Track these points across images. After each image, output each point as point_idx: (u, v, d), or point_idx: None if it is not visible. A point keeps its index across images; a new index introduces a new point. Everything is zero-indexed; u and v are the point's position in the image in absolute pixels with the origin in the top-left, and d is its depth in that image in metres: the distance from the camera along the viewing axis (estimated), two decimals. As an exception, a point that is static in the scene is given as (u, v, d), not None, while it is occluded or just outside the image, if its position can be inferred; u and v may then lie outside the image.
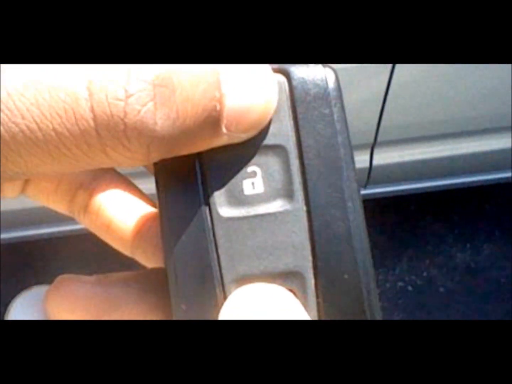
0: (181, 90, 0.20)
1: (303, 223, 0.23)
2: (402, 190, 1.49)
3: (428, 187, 1.50)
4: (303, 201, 0.23)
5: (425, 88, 1.24)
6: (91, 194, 0.28)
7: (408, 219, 1.73)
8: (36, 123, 0.20)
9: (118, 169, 0.29)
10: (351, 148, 0.23)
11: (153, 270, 0.27)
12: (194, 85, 0.21)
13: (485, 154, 1.41)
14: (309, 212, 0.23)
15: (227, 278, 0.23)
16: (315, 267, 0.23)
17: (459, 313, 1.57)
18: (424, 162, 1.40)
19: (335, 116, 0.23)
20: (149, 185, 0.33)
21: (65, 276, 0.26)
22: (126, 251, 0.28)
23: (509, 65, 1.17)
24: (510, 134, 1.36)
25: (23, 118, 0.19)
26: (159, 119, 0.20)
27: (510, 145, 1.37)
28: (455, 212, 1.73)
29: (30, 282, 1.53)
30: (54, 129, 0.20)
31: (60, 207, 0.29)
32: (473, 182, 1.51)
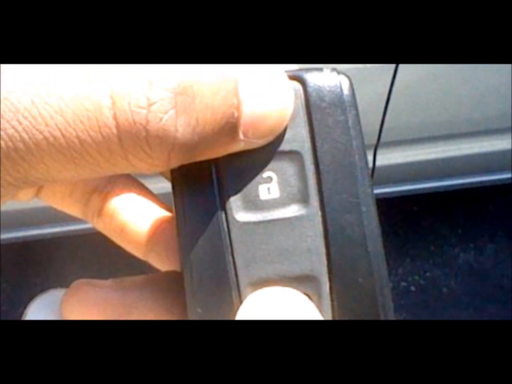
0: (201, 98, 0.21)
1: (318, 227, 0.23)
2: (405, 191, 1.50)
3: (431, 188, 1.51)
4: (318, 206, 0.23)
5: (428, 89, 1.24)
6: (105, 198, 0.29)
7: (411, 219, 1.73)
8: (60, 130, 0.20)
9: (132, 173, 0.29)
10: (366, 154, 0.24)
11: (167, 273, 0.27)
12: (213, 93, 0.21)
13: (488, 154, 1.41)
14: (324, 217, 0.23)
15: (243, 281, 0.23)
16: (330, 271, 0.23)
17: (462, 313, 1.57)
18: (427, 162, 1.40)
19: (350, 122, 0.23)
20: (158, 185, 0.33)
21: (81, 281, 0.26)
22: (139, 254, 0.29)
23: (509, 66, 1.17)
24: (507, 136, 1.36)
25: (47, 125, 0.20)
26: (180, 126, 0.21)
27: (506, 147, 1.37)
28: (459, 212, 1.73)
29: (32, 282, 1.54)
30: (77, 136, 0.20)
31: (74, 211, 0.29)
32: (476, 182, 1.51)
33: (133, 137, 0.20)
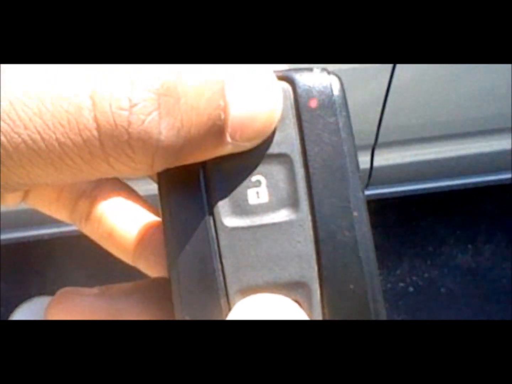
0: (185, 99, 0.20)
1: (309, 233, 0.23)
2: (403, 191, 1.49)
3: (429, 188, 1.50)
4: (308, 211, 0.23)
5: (426, 89, 1.24)
6: (92, 202, 0.28)
7: (409, 220, 1.72)
8: (39, 133, 0.19)
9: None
10: (357, 157, 0.23)
11: (156, 280, 0.26)
12: (198, 94, 0.20)
13: (486, 155, 1.41)
14: (314, 221, 0.23)
15: (231, 288, 0.23)
16: (320, 277, 0.23)
17: (460, 314, 1.57)
18: (425, 163, 1.40)
19: (341, 125, 0.23)
20: (146, 187, 0.33)
21: (66, 289, 0.26)
22: (128, 259, 0.28)
23: (509, 66, 1.17)
24: (507, 136, 1.35)
25: (25, 128, 0.19)
26: (164, 128, 0.20)
27: (506, 147, 1.37)
28: (456, 213, 1.73)
29: (29, 282, 1.53)
30: (57, 139, 0.19)
31: (61, 216, 0.29)
32: (474, 183, 1.51)
33: (114, 140, 0.20)
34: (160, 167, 0.21)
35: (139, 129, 0.20)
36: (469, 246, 1.68)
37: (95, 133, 0.19)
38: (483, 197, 1.72)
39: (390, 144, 1.33)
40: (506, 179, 1.50)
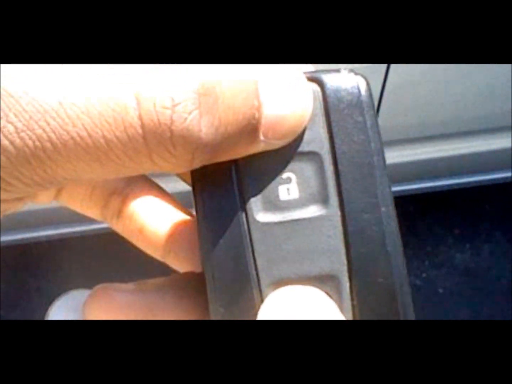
0: (223, 99, 0.21)
1: (338, 228, 0.24)
2: (401, 191, 1.50)
3: (427, 188, 1.51)
4: (338, 206, 0.24)
5: (421, 88, 1.24)
6: (124, 200, 0.29)
7: (407, 219, 1.73)
8: (86, 131, 0.20)
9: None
10: (384, 154, 0.24)
11: (187, 274, 0.27)
12: (234, 94, 0.21)
13: (484, 154, 1.41)
14: (343, 217, 0.24)
15: (264, 281, 0.24)
16: (350, 270, 0.24)
17: (459, 314, 1.58)
18: (422, 162, 1.41)
19: (368, 123, 0.24)
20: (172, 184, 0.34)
21: (103, 285, 0.27)
22: (157, 255, 0.29)
23: (506, 65, 1.18)
24: (509, 134, 1.36)
25: (74, 125, 0.20)
26: (204, 126, 0.21)
27: (510, 145, 1.37)
28: (455, 212, 1.74)
29: (29, 284, 1.53)
30: (103, 136, 0.20)
31: (93, 213, 0.30)
32: (472, 182, 1.51)
33: (158, 137, 0.21)
34: (198, 163, 0.22)
35: (181, 126, 0.21)
36: (468, 245, 1.69)
37: (139, 130, 0.20)
38: (481, 196, 1.73)
39: (386, 144, 1.32)
40: (505, 178, 1.50)
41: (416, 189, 1.50)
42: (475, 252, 1.68)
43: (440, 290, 1.63)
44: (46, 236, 1.35)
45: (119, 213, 0.29)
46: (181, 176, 0.28)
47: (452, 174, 1.49)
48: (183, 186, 0.29)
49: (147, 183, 0.30)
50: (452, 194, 1.63)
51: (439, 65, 1.14)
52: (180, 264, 0.28)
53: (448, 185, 1.51)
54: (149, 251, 0.29)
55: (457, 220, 1.73)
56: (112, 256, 1.47)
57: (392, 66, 1.17)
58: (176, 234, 0.28)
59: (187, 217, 0.29)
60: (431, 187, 1.51)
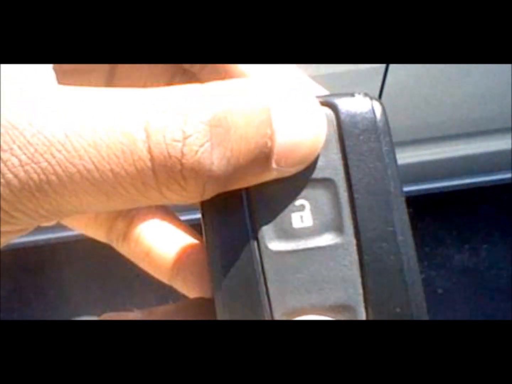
0: (235, 129, 0.21)
1: (354, 256, 0.23)
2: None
3: (425, 189, 1.51)
4: (353, 235, 0.23)
5: (419, 91, 1.24)
6: (130, 222, 0.28)
7: (406, 221, 1.72)
8: (94, 164, 0.20)
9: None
10: (400, 181, 0.23)
11: (196, 301, 0.27)
12: (247, 123, 0.21)
13: (483, 155, 1.41)
14: (359, 245, 0.23)
15: (277, 311, 0.23)
16: (366, 300, 0.23)
17: (457, 314, 1.58)
18: (420, 164, 1.41)
19: (384, 149, 0.23)
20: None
21: (108, 314, 0.26)
22: (164, 278, 0.28)
23: (504, 67, 1.17)
24: (507, 136, 1.36)
25: (80, 158, 0.19)
26: (216, 159, 0.20)
27: (508, 146, 1.37)
28: (454, 213, 1.74)
29: (26, 288, 1.53)
30: (111, 170, 0.20)
31: (98, 235, 0.29)
32: (471, 183, 1.51)
33: (168, 171, 0.20)
34: (209, 195, 0.22)
35: (192, 160, 0.20)
36: (466, 246, 1.69)
37: (149, 164, 0.20)
38: (479, 197, 1.73)
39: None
40: (503, 180, 1.50)
41: (414, 190, 1.50)
42: (474, 252, 1.68)
43: (439, 291, 1.63)
44: (45, 240, 1.34)
45: (125, 235, 0.28)
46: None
47: (450, 176, 1.49)
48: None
49: (153, 205, 0.29)
50: (450, 196, 1.63)
51: (438, 66, 1.14)
52: (188, 289, 0.28)
53: (446, 187, 1.51)
54: (156, 274, 0.28)
55: (455, 221, 1.73)
56: (109, 260, 1.46)
57: (391, 67, 1.17)
58: (184, 258, 0.28)
59: (195, 241, 0.28)
60: (429, 189, 1.51)
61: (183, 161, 0.20)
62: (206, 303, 0.26)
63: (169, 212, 0.29)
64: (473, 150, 1.40)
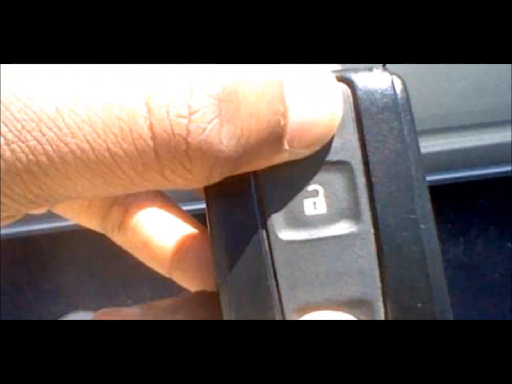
0: (245, 105, 0.19)
1: (371, 247, 0.21)
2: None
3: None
4: (371, 223, 0.21)
5: (417, 82, 1.23)
6: (126, 210, 0.26)
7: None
8: (88, 142, 0.17)
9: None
10: (423, 164, 0.21)
11: (197, 295, 0.25)
12: (258, 99, 0.19)
13: (478, 148, 1.41)
14: (377, 235, 0.21)
15: (287, 307, 0.21)
16: (384, 294, 0.21)
17: (452, 309, 1.56)
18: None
19: (405, 129, 0.21)
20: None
21: (105, 310, 0.24)
22: (163, 270, 0.26)
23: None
24: (503, 129, 1.35)
25: (73, 136, 0.17)
26: (224, 137, 0.18)
27: (504, 139, 1.37)
28: (449, 207, 1.73)
29: (23, 278, 1.50)
30: (108, 149, 0.18)
31: (92, 224, 0.27)
32: (466, 177, 1.51)
33: (171, 150, 0.18)
34: (217, 178, 0.20)
35: (199, 138, 0.18)
36: (461, 240, 1.68)
37: (150, 142, 0.18)
38: (475, 191, 1.72)
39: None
40: (499, 173, 1.50)
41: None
42: (468, 246, 1.67)
43: (433, 284, 1.62)
44: (40, 229, 1.32)
45: (121, 224, 0.26)
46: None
47: (445, 169, 1.48)
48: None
49: (151, 192, 0.27)
50: (445, 189, 1.62)
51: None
52: (188, 282, 0.26)
53: (441, 180, 1.50)
54: (154, 266, 0.26)
55: (450, 215, 1.72)
56: (106, 251, 1.44)
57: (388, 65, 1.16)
58: (184, 249, 0.26)
59: (196, 230, 0.26)
60: (425, 182, 1.49)
61: (189, 139, 0.18)
62: (208, 297, 0.24)
63: (168, 200, 0.27)
64: (469, 143, 1.39)
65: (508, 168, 1.48)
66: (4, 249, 1.40)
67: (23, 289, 1.49)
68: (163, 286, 1.33)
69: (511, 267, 1.60)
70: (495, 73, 1.23)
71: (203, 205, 0.22)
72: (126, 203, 0.26)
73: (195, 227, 0.26)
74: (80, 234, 1.43)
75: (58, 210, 0.26)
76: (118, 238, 0.27)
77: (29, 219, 1.32)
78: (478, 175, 1.50)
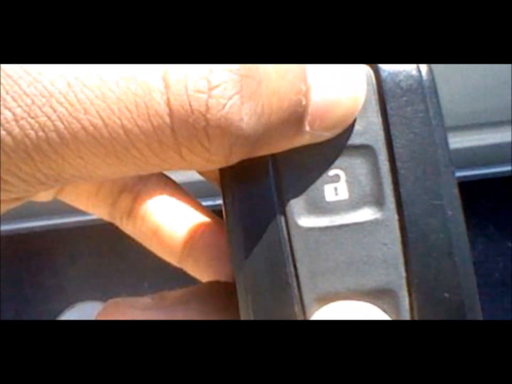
0: (267, 82, 0.18)
1: (396, 234, 0.20)
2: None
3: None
4: (395, 209, 0.20)
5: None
6: (135, 198, 0.25)
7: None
8: (102, 119, 0.16)
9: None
10: (449, 148, 0.21)
11: (211, 285, 0.24)
12: (280, 76, 0.18)
13: (479, 148, 1.40)
14: (402, 221, 0.20)
15: (307, 296, 0.20)
16: (409, 284, 0.20)
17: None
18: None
19: (431, 112, 0.20)
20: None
21: (115, 300, 0.23)
22: (173, 260, 0.25)
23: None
24: (505, 129, 1.35)
25: (86, 112, 0.16)
26: (245, 115, 0.17)
27: (504, 139, 1.36)
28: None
29: (23, 275, 1.49)
30: (122, 126, 0.17)
31: (99, 212, 0.26)
32: (467, 176, 1.50)
33: (189, 128, 0.17)
34: (235, 159, 0.19)
35: (218, 115, 0.17)
36: (461, 239, 1.67)
37: (167, 119, 0.17)
38: (475, 190, 1.71)
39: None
40: (499, 173, 1.49)
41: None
42: (469, 245, 1.66)
43: (432, 284, 1.61)
44: (40, 226, 1.31)
45: (130, 212, 0.25)
46: (203, 173, 0.25)
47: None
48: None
49: (162, 178, 0.26)
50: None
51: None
52: (200, 271, 0.25)
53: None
54: (164, 255, 0.26)
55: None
56: (104, 247, 1.43)
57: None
58: (196, 237, 0.25)
59: (207, 218, 0.25)
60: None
61: (208, 116, 0.17)
62: (222, 287, 0.24)
63: (178, 187, 0.26)
64: (470, 143, 1.39)
65: (508, 168, 1.48)
66: (4, 245, 1.39)
67: (23, 285, 1.48)
68: (163, 283, 1.32)
69: (511, 267, 1.60)
70: (495, 73, 1.23)
71: (213, 202, 0.21)
72: (136, 190, 0.25)
73: (207, 215, 0.26)
74: (80, 231, 1.42)
75: (65, 197, 0.25)
76: (126, 227, 0.26)
77: (29, 215, 1.31)
78: (478, 175, 1.50)
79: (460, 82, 1.24)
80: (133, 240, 0.26)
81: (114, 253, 1.40)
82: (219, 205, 0.22)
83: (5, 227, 1.27)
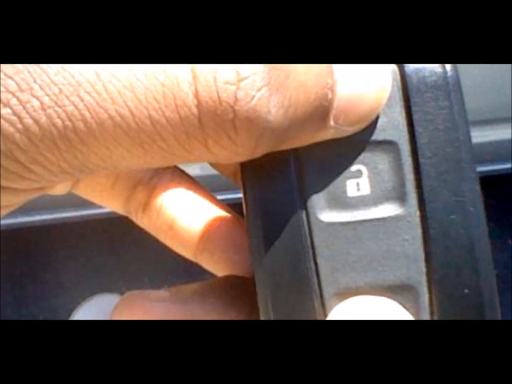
0: (295, 75, 0.18)
1: (417, 230, 0.20)
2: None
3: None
4: (417, 205, 0.20)
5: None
6: (151, 191, 0.25)
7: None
8: (129, 109, 0.16)
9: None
10: (472, 146, 0.20)
11: (227, 279, 0.24)
12: (307, 70, 0.18)
13: (479, 145, 1.40)
14: (424, 217, 0.20)
15: (327, 291, 0.20)
16: (430, 280, 0.20)
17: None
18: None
19: (455, 108, 0.20)
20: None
21: (133, 293, 0.23)
22: (188, 254, 0.25)
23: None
24: (507, 125, 1.35)
25: (113, 102, 0.16)
26: (273, 107, 0.17)
27: (506, 136, 1.36)
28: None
29: (22, 270, 1.49)
30: (149, 116, 0.16)
31: (114, 205, 0.26)
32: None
33: (217, 119, 0.17)
34: (261, 152, 0.18)
35: (246, 107, 0.17)
36: (461, 236, 1.68)
37: (194, 110, 0.17)
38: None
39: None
40: (500, 170, 1.49)
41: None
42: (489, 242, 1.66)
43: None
44: (41, 221, 1.31)
45: (145, 206, 0.25)
46: (217, 166, 0.25)
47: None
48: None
49: (177, 172, 0.26)
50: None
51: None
52: (215, 266, 0.25)
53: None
54: (179, 249, 0.25)
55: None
56: (103, 242, 1.43)
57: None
58: (212, 231, 0.25)
59: (223, 213, 0.25)
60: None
61: (236, 107, 0.17)
62: (238, 281, 0.23)
63: (194, 181, 0.26)
64: (473, 139, 1.39)
65: (508, 165, 1.48)
66: (4, 240, 1.39)
67: (23, 281, 1.48)
68: (163, 278, 1.32)
69: (511, 264, 1.60)
70: (495, 71, 1.22)
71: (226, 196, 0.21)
72: (151, 184, 0.25)
73: (222, 209, 0.25)
74: (81, 226, 1.42)
75: (81, 190, 0.25)
76: (141, 221, 0.26)
77: (30, 210, 1.30)
78: (479, 172, 1.49)
79: (460, 80, 1.24)
80: (133, 235, 0.26)
81: (114, 248, 1.40)
82: (233, 199, 0.21)
83: (5, 222, 1.27)
